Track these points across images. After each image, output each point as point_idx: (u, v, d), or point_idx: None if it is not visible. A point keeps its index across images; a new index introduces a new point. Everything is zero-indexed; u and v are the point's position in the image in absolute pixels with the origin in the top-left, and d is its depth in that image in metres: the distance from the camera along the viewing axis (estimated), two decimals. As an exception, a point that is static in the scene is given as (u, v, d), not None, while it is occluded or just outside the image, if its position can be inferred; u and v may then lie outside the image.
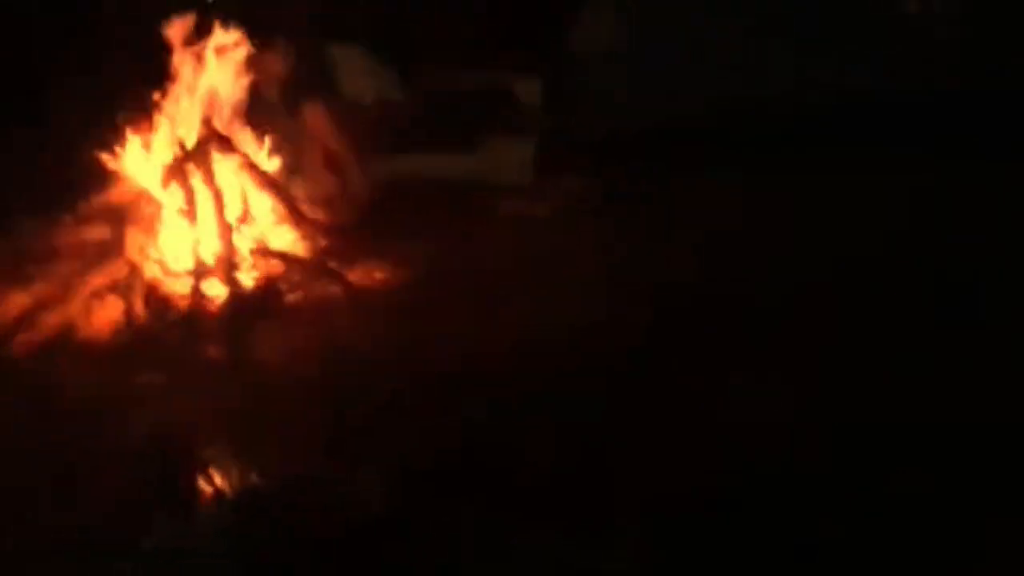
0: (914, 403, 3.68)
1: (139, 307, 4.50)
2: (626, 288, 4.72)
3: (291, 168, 5.37)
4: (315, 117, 5.70)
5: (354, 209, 5.41)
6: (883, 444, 3.47)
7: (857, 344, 4.15)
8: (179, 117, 5.05)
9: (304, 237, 5.05)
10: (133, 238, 4.76)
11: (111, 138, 5.06)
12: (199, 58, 5.08)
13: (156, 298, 4.55)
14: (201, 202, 4.84)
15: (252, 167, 5.09)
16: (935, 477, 3.25)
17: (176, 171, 4.89)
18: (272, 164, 5.22)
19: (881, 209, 5.48)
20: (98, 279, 4.59)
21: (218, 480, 3.52)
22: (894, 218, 5.39)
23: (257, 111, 5.27)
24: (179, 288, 4.62)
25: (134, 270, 4.62)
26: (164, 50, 5.11)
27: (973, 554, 2.93)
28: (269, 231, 5.04)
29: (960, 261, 4.81)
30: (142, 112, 5.07)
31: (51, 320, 4.40)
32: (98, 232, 4.88)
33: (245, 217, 4.98)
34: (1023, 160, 5.76)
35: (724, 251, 5.09)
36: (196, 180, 4.88)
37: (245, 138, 5.19)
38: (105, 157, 5.05)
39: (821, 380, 3.89)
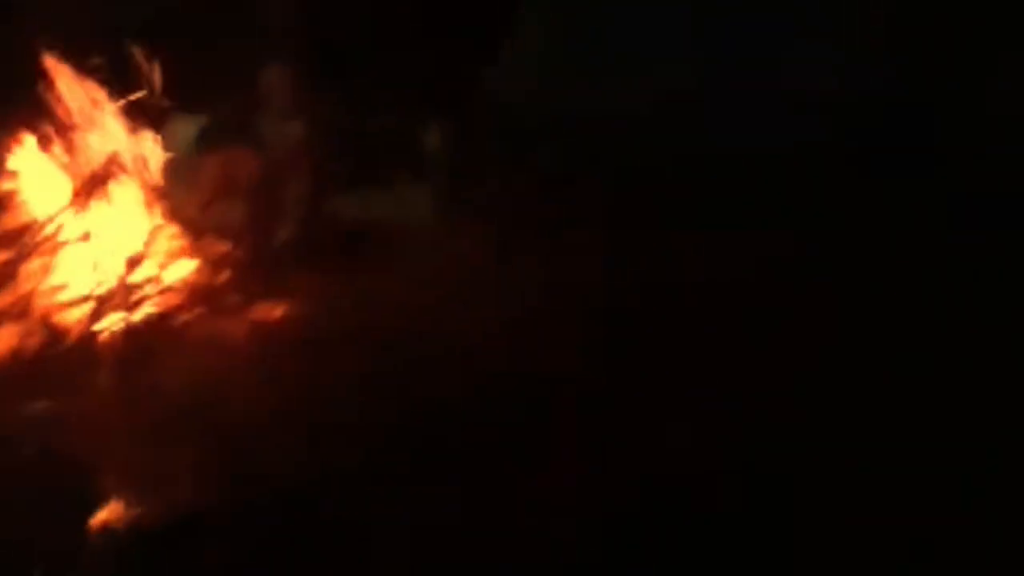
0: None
1: (33, 334, 4.45)
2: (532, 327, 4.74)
3: (197, 199, 5.38)
4: (227, 153, 5.75)
5: (259, 243, 5.43)
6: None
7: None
8: (81, 141, 5.05)
9: (206, 270, 5.06)
10: (30, 265, 4.72)
11: (7, 161, 5.04)
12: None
13: (51, 326, 4.51)
14: (101, 230, 4.84)
15: (155, 197, 5.11)
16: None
17: (77, 197, 4.89)
18: (174, 193, 5.23)
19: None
20: (-8, 305, 4.54)
21: (110, 509, 3.50)
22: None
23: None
24: (76, 316, 4.59)
25: (28, 298, 4.57)
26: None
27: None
28: (170, 262, 5.04)
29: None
30: (42, 135, 5.07)
31: (-57, 346, 4.34)
32: (-7, 258, 4.84)
33: (146, 247, 4.97)
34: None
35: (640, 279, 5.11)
36: (97, 207, 4.89)
37: (148, 169, 5.20)
38: (1, 180, 5.03)
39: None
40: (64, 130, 5.11)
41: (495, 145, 6.64)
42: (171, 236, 5.10)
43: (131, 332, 4.55)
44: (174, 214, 5.16)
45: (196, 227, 5.29)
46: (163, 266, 5.00)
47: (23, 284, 4.64)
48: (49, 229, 4.84)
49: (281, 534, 3.23)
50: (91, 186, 4.96)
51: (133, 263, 4.83)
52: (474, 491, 3.49)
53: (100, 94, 5.17)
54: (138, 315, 4.62)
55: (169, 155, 5.36)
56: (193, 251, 5.10)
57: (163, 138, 5.34)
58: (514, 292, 5.07)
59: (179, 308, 4.82)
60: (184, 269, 5.05)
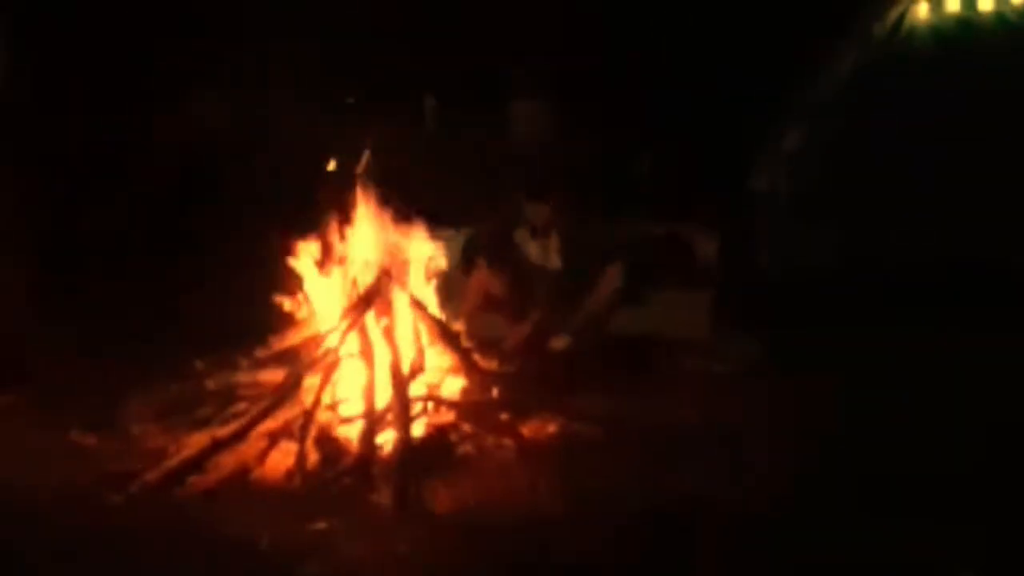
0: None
1: (312, 452, 4.43)
2: (805, 450, 4.50)
3: (466, 313, 5.36)
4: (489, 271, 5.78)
5: (531, 358, 5.36)
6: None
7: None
8: (355, 260, 5.10)
9: (477, 386, 4.97)
10: (308, 382, 4.74)
11: (289, 282, 5.15)
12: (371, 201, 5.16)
13: (328, 443, 4.49)
14: (375, 347, 4.82)
15: (425, 314, 5.09)
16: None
17: (352, 315, 4.92)
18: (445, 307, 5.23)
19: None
20: (273, 422, 4.56)
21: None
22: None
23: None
24: (351, 434, 4.56)
25: (308, 414, 4.57)
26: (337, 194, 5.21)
27: None
28: (441, 379, 4.98)
29: None
30: (319, 256, 5.15)
31: (226, 462, 4.37)
32: (274, 375, 4.90)
33: (418, 364, 4.93)
34: None
35: (903, 414, 4.86)
36: (371, 322, 4.90)
37: (418, 283, 5.21)
38: (283, 301, 5.13)
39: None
40: (339, 248, 5.19)
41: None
42: (443, 351, 5.05)
43: (404, 450, 4.45)
44: (445, 328, 5.13)
45: (467, 342, 5.25)
46: (436, 382, 4.95)
47: (302, 400, 4.66)
48: (327, 345, 4.86)
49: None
50: (365, 302, 4.98)
51: (407, 379, 4.77)
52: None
53: (375, 212, 5.24)
54: (413, 432, 4.53)
55: (439, 270, 5.38)
56: (464, 366, 5.03)
57: (432, 254, 5.37)
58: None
59: (450, 426, 4.73)
60: (456, 385, 4.98)
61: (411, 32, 7.37)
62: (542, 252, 6.04)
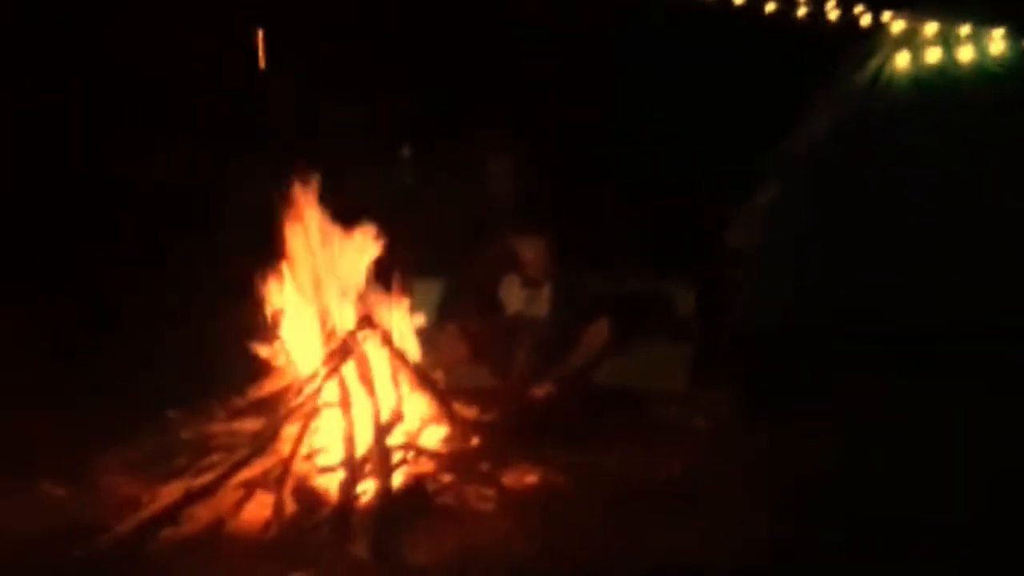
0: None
1: (289, 502, 4.35)
2: (783, 504, 4.47)
3: (445, 363, 5.32)
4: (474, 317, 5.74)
5: (508, 408, 5.30)
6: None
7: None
8: (333, 306, 5.05)
9: (457, 436, 4.90)
10: (286, 431, 4.67)
11: (266, 329, 5.08)
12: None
13: (306, 493, 4.41)
14: (355, 396, 4.76)
15: (405, 362, 5.03)
16: None
17: (330, 364, 4.86)
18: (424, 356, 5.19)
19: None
20: (249, 472, 4.48)
21: None
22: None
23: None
24: (330, 484, 4.48)
25: (285, 464, 4.49)
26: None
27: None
28: (422, 427, 4.91)
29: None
30: (296, 304, 5.09)
31: (201, 513, 4.27)
32: (251, 424, 4.83)
33: (397, 412, 4.87)
34: None
35: (886, 462, 4.87)
36: (350, 371, 4.83)
37: (398, 332, 5.15)
38: (259, 348, 5.07)
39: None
40: (316, 294, 5.13)
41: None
42: (422, 400, 5.00)
43: (382, 500, 4.37)
44: (425, 377, 5.07)
45: (446, 391, 5.19)
46: (415, 431, 4.88)
47: (279, 450, 4.58)
48: (305, 394, 4.80)
49: None
50: (344, 350, 4.92)
51: (386, 429, 4.71)
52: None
53: (350, 262, 5.20)
54: (392, 482, 4.45)
55: (418, 320, 5.33)
56: (444, 416, 4.97)
57: (411, 303, 5.33)
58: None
59: (429, 475, 4.66)
60: (436, 434, 4.92)
61: (386, 79, 7.36)
62: (530, 300, 6.01)
